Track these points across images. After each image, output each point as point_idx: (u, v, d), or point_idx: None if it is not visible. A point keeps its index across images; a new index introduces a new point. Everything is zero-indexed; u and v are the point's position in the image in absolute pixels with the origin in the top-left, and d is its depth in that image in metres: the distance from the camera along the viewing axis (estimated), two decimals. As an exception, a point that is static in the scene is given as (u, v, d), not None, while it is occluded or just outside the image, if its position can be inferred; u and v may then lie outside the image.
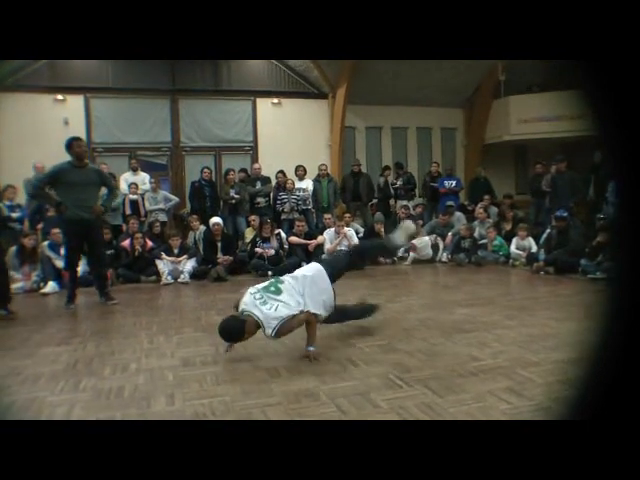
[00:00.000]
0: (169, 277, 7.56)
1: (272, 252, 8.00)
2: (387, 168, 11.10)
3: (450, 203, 9.92)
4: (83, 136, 8.20)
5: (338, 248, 8.26)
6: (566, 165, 9.36)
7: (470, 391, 2.94)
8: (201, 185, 9.55)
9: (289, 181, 9.74)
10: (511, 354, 3.63)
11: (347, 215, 8.99)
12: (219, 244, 8.08)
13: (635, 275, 0.96)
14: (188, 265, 7.73)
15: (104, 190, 6.13)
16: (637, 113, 0.91)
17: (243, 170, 9.86)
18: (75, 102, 10.36)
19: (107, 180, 6.13)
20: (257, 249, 8.03)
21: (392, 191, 10.82)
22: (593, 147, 10.40)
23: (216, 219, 8.36)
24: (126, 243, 7.86)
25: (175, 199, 9.72)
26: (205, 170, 9.63)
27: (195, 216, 8.81)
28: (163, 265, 7.62)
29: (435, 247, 8.92)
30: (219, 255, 7.96)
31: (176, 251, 7.83)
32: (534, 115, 11.36)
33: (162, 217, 9.25)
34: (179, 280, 7.56)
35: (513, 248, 8.33)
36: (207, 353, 3.91)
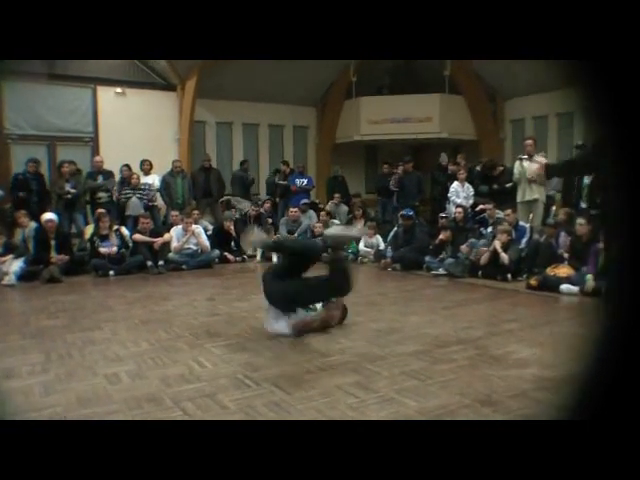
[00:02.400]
0: (-9, 279, 6.73)
1: (114, 250, 7.46)
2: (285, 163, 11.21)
3: (305, 201, 10.08)
4: None
5: (185, 246, 7.99)
6: (413, 166, 9.97)
7: (318, 387, 2.97)
8: (26, 178, 8.64)
9: (134, 176, 9.22)
10: (359, 349, 3.73)
11: (195, 212, 8.72)
12: (53, 242, 7.38)
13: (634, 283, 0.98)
14: (14, 265, 6.93)
15: None
16: (637, 113, 0.92)
17: (72, 162, 9.07)
18: None
19: None
20: (101, 249, 7.46)
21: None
22: (438, 149, 11.27)
23: (50, 215, 7.61)
24: (-63, 241, 6.86)
25: (-1, 192, 8.69)
26: (30, 164, 8.70)
27: (23, 211, 7.93)
28: (-17, 266, 6.76)
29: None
30: (53, 254, 7.27)
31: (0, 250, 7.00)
32: (383, 116, 11.90)
33: (-17, 212, 8.23)
34: (3, 282, 6.76)
35: (361, 246, 8.67)
36: (36, 362, 3.51)
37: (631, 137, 0.95)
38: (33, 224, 7.74)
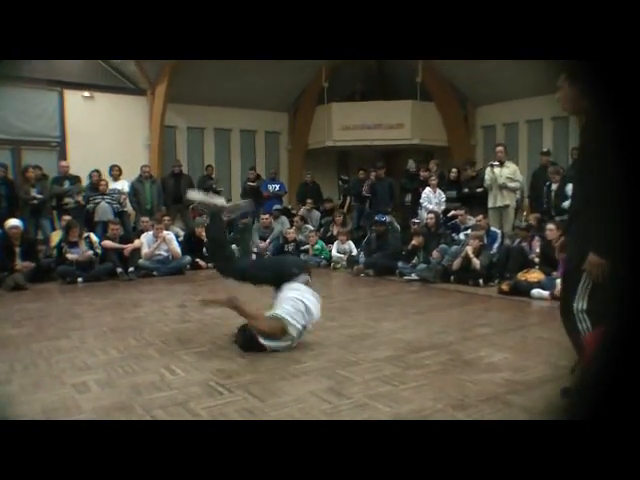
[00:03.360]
0: (-47, 287, 6.52)
1: (90, 253, 7.32)
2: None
3: (277, 207, 10.04)
4: None
5: (156, 252, 7.87)
6: (385, 172, 10.02)
7: (291, 393, 2.94)
8: (-7, 183, 8.43)
9: (102, 182, 9.06)
10: (332, 355, 3.71)
11: (166, 218, 8.60)
12: (18, 249, 7.19)
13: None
14: (-22, 273, 6.74)
15: None
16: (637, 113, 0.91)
17: (37, 167, 8.87)
18: None
19: None
20: (69, 255, 7.29)
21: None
22: (410, 155, 11.36)
23: (14, 221, 7.41)
24: None
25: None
26: (-1, 169, 8.52)
27: None
28: (-55, 273, 6.55)
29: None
30: (17, 261, 7.08)
31: (-37, 257, 6.80)
32: (355, 122, 11.94)
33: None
34: (-34, 290, 6.56)
35: (334, 252, 8.67)
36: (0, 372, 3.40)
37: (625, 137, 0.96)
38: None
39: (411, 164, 10.54)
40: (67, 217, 8.12)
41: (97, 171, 9.18)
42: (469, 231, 7.34)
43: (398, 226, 9.54)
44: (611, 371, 1.04)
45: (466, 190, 8.81)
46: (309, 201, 10.62)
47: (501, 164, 8.11)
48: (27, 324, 4.83)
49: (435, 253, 7.15)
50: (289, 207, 11.29)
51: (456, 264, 6.83)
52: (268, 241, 9.15)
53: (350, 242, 8.75)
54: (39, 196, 8.46)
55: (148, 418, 2.61)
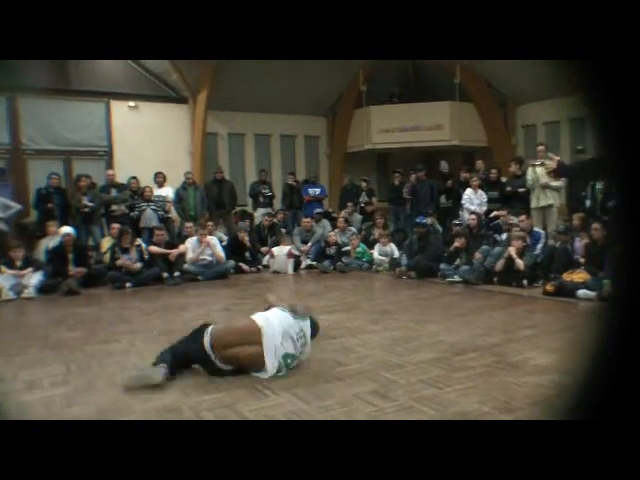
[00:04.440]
0: (10, 292, 6.81)
1: (138, 265, 7.55)
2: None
3: (318, 210, 10.11)
4: None
5: (200, 257, 8.04)
6: (425, 174, 9.97)
7: (336, 396, 2.97)
8: (48, 192, 8.79)
9: (147, 188, 9.31)
10: (375, 358, 3.72)
11: (209, 223, 8.78)
12: (71, 256, 7.47)
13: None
14: (33, 279, 7.03)
15: None
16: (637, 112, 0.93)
17: (87, 176, 9.18)
18: None
19: None
20: (121, 261, 7.53)
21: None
22: (449, 156, 11.28)
23: (67, 229, 7.73)
24: (-43, 256, 6.97)
25: (17, 207, 8.79)
26: (53, 176, 8.88)
27: (52, 222, 8.11)
28: (3, 279, 6.85)
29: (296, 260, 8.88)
30: (70, 267, 7.36)
31: (19, 263, 7.10)
32: (394, 125, 11.94)
33: (1, 226, 8.34)
34: (23, 295, 6.85)
35: (376, 254, 8.67)
36: (57, 373, 3.56)
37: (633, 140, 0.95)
38: (58, 238, 7.84)
39: (444, 165, 10.47)
40: (115, 224, 8.38)
41: (134, 178, 9.42)
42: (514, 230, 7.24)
43: (440, 228, 9.47)
44: (612, 370, 1.02)
45: (509, 189, 8.68)
46: (349, 204, 10.65)
47: (542, 164, 7.96)
48: (80, 328, 5.01)
49: (477, 255, 7.06)
50: (330, 210, 11.34)
51: (499, 265, 6.74)
52: (310, 244, 9.21)
53: (392, 244, 8.73)
54: (90, 204, 8.76)
55: (196, 419, 2.68)
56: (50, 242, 7.93)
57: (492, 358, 3.62)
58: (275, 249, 8.83)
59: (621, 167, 0.99)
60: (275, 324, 3.31)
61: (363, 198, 10.93)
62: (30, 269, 7.10)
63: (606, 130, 1.05)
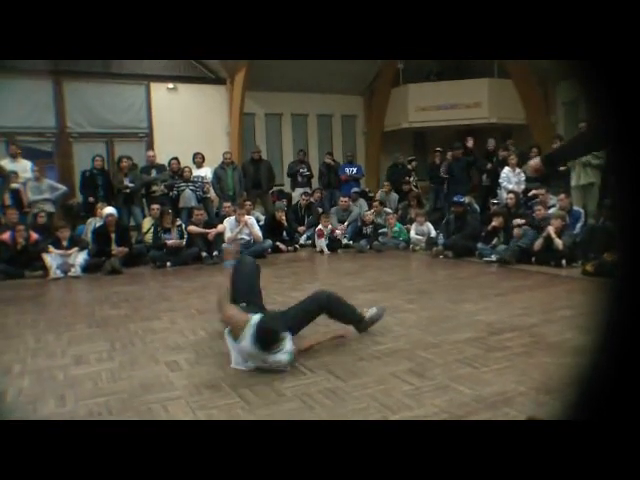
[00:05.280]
0: (58, 271, 7.07)
1: (181, 242, 7.74)
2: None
3: (355, 189, 10.08)
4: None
5: (239, 237, 8.14)
6: (462, 152, 9.81)
7: (373, 374, 3.00)
8: (92, 174, 9.02)
9: (186, 169, 9.44)
10: (412, 337, 3.73)
11: (247, 203, 8.86)
12: (113, 235, 7.69)
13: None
14: (79, 258, 7.28)
15: None
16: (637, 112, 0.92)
17: (129, 157, 9.35)
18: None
19: None
20: (170, 242, 7.73)
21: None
22: (488, 134, 11.05)
23: (110, 209, 7.94)
24: (6, 236, 7.24)
25: (63, 188, 9.09)
26: (97, 158, 9.09)
27: (100, 204, 8.37)
28: (51, 259, 7.12)
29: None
30: (113, 247, 7.58)
31: (65, 243, 7.35)
32: (431, 103, 11.77)
33: (49, 208, 8.63)
34: (69, 274, 7.11)
35: (413, 234, 8.62)
36: (102, 349, 3.71)
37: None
38: (99, 219, 8.07)
39: (491, 143, 10.26)
40: (155, 205, 8.56)
41: (175, 159, 9.53)
42: (552, 210, 7.09)
43: (477, 207, 9.33)
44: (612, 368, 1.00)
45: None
46: (386, 184, 10.58)
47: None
48: (124, 306, 5.18)
49: (517, 231, 6.95)
50: (367, 190, 11.29)
51: (538, 245, 6.61)
52: (346, 224, 9.21)
53: (428, 224, 8.65)
54: (131, 185, 8.96)
55: (235, 396, 2.75)
56: (91, 225, 8.19)
57: (530, 338, 3.59)
58: (321, 227, 8.81)
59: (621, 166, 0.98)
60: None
61: (414, 178, 10.85)
62: (76, 249, 7.35)
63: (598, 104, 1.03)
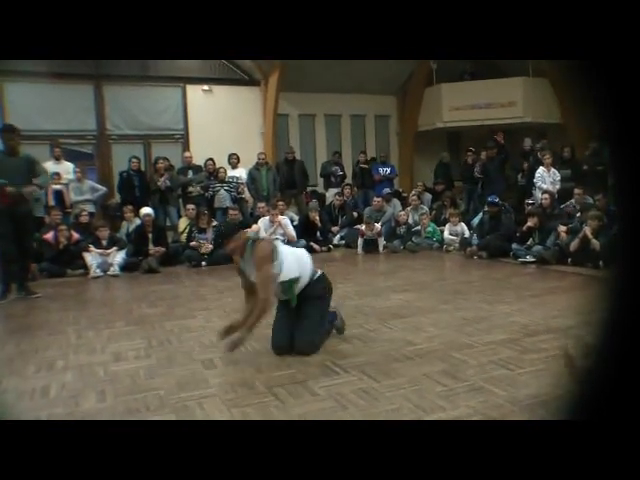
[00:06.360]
0: (98, 270, 7.28)
1: (209, 247, 7.83)
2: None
3: (388, 190, 10.06)
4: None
5: (273, 237, 8.20)
6: (497, 152, 9.68)
7: (406, 375, 3.00)
8: (130, 175, 9.24)
9: (221, 170, 9.56)
10: (446, 337, 3.71)
11: (281, 203, 8.93)
12: (150, 235, 7.86)
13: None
14: (118, 257, 7.47)
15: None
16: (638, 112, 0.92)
17: (165, 159, 9.53)
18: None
19: (37, 169, 5.87)
20: (195, 243, 7.86)
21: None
22: (523, 134, 10.88)
23: (147, 210, 8.12)
24: (49, 236, 7.48)
25: (103, 189, 9.34)
26: (133, 160, 9.31)
27: (130, 207, 8.53)
28: (91, 258, 7.32)
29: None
30: (150, 246, 7.74)
31: (105, 243, 7.55)
32: (465, 102, 11.63)
33: (90, 208, 8.88)
34: (109, 273, 7.30)
35: (446, 234, 8.55)
36: (140, 347, 3.80)
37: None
38: (138, 220, 8.25)
39: (527, 143, 10.10)
40: (190, 205, 8.69)
41: (211, 159, 9.65)
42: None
43: (510, 207, 9.21)
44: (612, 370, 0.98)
45: (585, 167, 8.27)
46: (419, 184, 10.52)
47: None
48: (160, 304, 5.30)
49: (562, 234, 6.83)
50: (400, 190, 11.24)
51: (574, 245, 6.49)
52: (380, 224, 9.19)
53: (462, 224, 8.57)
54: (168, 184, 9.12)
55: (269, 395, 2.78)
56: (130, 225, 8.37)
57: (566, 341, 3.52)
58: (364, 228, 8.77)
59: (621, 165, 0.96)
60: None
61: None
62: (115, 248, 7.54)
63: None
